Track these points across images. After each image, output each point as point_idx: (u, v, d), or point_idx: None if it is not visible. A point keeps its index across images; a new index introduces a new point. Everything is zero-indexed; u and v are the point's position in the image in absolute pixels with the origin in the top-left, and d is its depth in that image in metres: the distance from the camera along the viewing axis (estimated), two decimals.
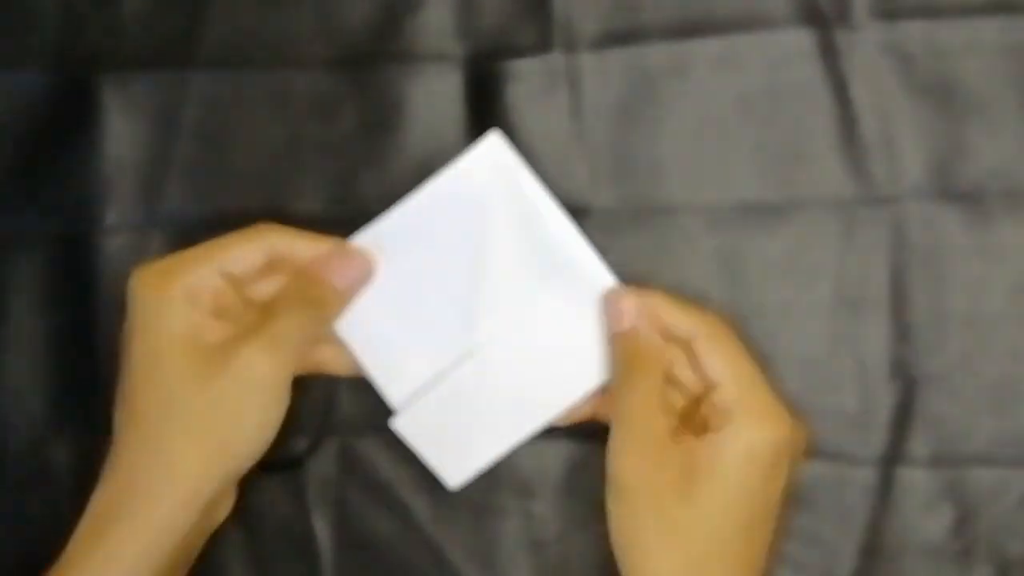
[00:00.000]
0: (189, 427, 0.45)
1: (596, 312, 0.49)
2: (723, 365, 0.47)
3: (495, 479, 0.52)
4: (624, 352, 0.48)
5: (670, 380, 0.49)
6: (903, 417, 0.51)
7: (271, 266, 0.48)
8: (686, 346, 0.48)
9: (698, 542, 0.45)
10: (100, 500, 0.46)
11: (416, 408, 0.50)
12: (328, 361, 0.51)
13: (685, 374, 0.48)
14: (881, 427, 0.51)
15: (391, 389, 0.50)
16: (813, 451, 0.51)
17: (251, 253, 0.48)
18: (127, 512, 0.45)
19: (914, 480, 0.51)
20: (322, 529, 0.53)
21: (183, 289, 0.46)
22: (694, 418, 0.48)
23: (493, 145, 0.49)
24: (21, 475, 0.54)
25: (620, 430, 0.46)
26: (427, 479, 0.52)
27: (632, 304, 0.48)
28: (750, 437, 0.46)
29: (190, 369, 0.45)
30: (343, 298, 0.49)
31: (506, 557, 0.52)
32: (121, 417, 0.47)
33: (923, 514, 0.51)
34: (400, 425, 0.50)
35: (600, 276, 0.49)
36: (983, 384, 0.51)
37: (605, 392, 0.50)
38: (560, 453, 0.52)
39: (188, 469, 0.45)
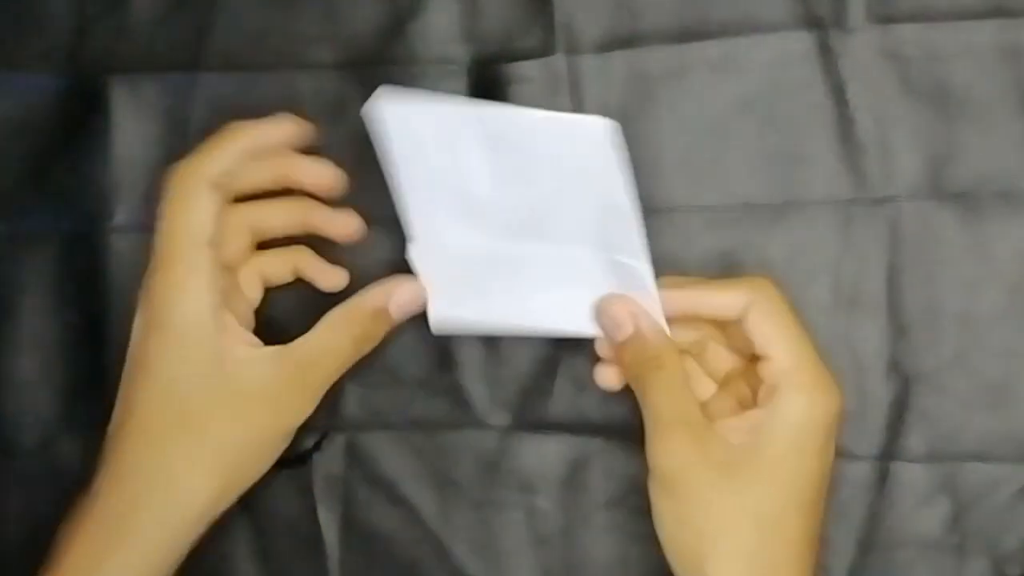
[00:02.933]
0: (201, 450, 0.46)
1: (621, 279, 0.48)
2: (774, 336, 0.45)
3: (499, 475, 0.53)
4: (634, 358, 0.47)
5: (701, 363, 0.49)
6: (899, 414, 0.51)
7: (253, 157, 0.48)
8: (729, 324, 0.47)
9: (747, 521, 0.44)
10: (101, 509, 0.46)
11: (435, 246, 0.49)
12: (270, 274, 0.51)
13: (719, 355, 0.48)
14: (877, 423, 0.51)
15: (418, 223, 0.49)
16: None
17: (227, 149, 0.47)
18: (132, 530, 0.45)
19: (910, 475, 0.51)
20: (328, 524, 0.53)
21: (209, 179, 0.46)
22: (735, 385, 0.48)
23: (604, 127, 0.45)
24: (31, 472, 0.54)
25: (655, 428, 0.45)
26: (432, 475, 0.53)
27: (624, 310, 0.47)
28: (802, 416, 0.45)
29: (208, 387, 0.46)
30: (392, 325, 0.49)
31: (510, 552, 0.53)
32: (124, 418, 0.47)
33: (919, 509, 0.51)
34: (415, 254, 0.49)
35: (647, 275, 0.47)
36: (977, 382, 0.51)
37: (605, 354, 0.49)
38: (562, 449, 0.53)
39: (197, 493, 0.46)
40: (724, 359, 0.49)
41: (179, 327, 0.46)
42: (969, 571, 0.51)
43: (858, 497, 0.51)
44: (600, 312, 0.48)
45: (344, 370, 0.49)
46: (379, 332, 0.49)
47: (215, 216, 0.46)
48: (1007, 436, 0.51)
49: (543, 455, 0.53)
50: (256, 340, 0.48)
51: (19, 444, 0.54)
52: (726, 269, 0.52)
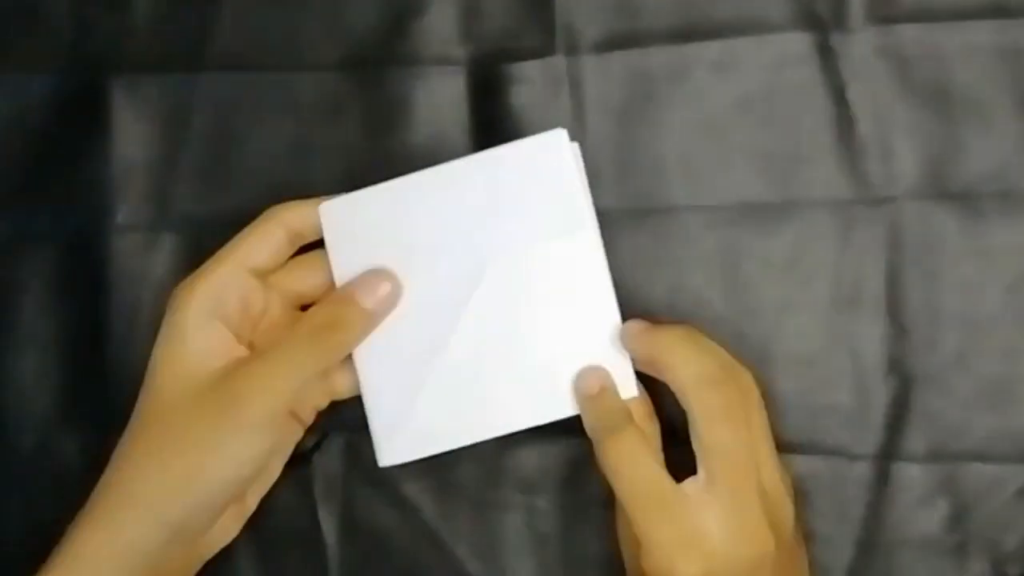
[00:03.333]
0: (171, 449, 0.45)
1: (590, 342, 0.47)
2: (663, 369, 0.46)
3: (498, 475, 0.53)
4: (595, 414, 0.47)
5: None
6: (899, 414, 0.51)
7: (293, 243, 0.48)
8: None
9: (703, 528, 0.44)
10: (89, 504, 0.47)
11: (384, 378, 0.48)
12: (347, 390, 0.50)
13: None
14: (877, 423, 0.51)
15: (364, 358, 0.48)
16: (811, 447, 0.51)
17: (268, 237, 0.48)
18: (100, 523, 0.46)
19: (910, 475, 0.51)
20: (328, 524, 0.53)
21: (205, 297, 0.46)
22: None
23: (554, 139, 0.47)
24: (31, 473, 0.54)
25: (617, 490, 0.46)
26: (432, 475, 0.53)
27: (595, 377, 0.47)
28: (699, 414, 0.45)
29: (190, 394, 0.46)
30: (369, 320, 0.47)
31: (509, 551, 0.53)
32: (128, 426, 0.47)
33: (919, 509, 0.51)
34: (363, 388, 0.48)
35: (609, 311, 0.47)
36: (977, 382, 0.51)
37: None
38: (562, 449, 0.53)
39: (154, 492, 0.45)
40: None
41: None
42: (969, 571, 0.51)
43: (858, 497, 0.51)
44: (575, 380, 0.48)
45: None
46: (357, 322, 0.48)
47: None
48: (1007, 436, 0.51)
49: (543, 455, 0.53)
50: None
51: (19, 443, 0.54)
52: (726, 269, 0.52)
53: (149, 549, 0.46)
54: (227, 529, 0.50)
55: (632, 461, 0.45)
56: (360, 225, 0.48)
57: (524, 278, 0.48)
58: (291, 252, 0.49)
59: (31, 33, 0.54)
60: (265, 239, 0.48)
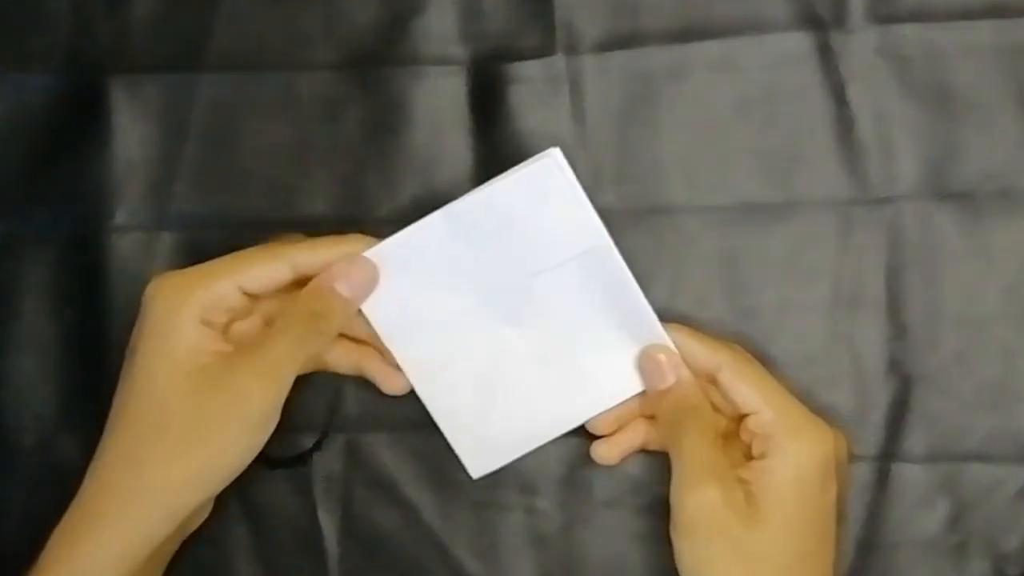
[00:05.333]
0: (174, 445, 0.46)
1: (633, 333, 0.50)
2: (752, 392, 0.48)
3: (498, 476, 0.53)
4: (673, 404, 0.49)
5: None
6: (899, 414, 0.51)
7: (297, 283, 0.48)
8: (711, 377, 0.49)
9: (766, 565, 0.46)
10: (79, 504, 0.47)
11: (450, 399, 0.51)
12: (332, 360, 0.51)
13: (717, 399, 0.49)
14: (877, 424, 0.51)
15: (426, 389, 0.51)
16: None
17: (275, 272, 0.48)
18: (102, 521, 0.46)
19: (910, 476, 0.51)
20: (328, 525, 0.53)
21: (199, 305, 0.46)
22: (735, 441, 0.49)
23: (553, 163, 0.47)
24: (31, 472, 0.54)
25: (683, 470, 0.47)
26: (432, 475, 0.53)
27: (669, 360, 0.49)
28: (798, 459, 0.47)
29: (185, 388, 0.46)
30: (349, 306, 0.48)
31: (509, 552, 0.53)
32: (112, 422, 0.47)
33: (919, 509, 0.51)
34: (435, 412, 0.51)
35: (642, 310, 0.49)
36: (977, 382, 0.51)
37: (644, 407, 0.51)
38: (562, 450, 0.53)
39: (166, 484, 0.46)
40: (724, 405, 0.50)
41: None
42: (969, 571, 0.51)
43: (858, 497, 0.51)
44: (644, 358, 0.49)
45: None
46: (337, 310, 0.49)
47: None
48: (1007, 436, 0.51)
49: (542, 455, 0.53)
50: None
51: (19, 443, 0.54)
52: (726, 269, 0.52)
53: (157, 541, 0.46)
54: (207, 508, 0.50)
55: (704, 449, 0.47)
56: (389, 273, 0.49)
57: (558, 293, 0.49)
58: (289, 288, 0.49)
59: (31, 33, 0.54)
60: (271, 274, 0.48)
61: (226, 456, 0.46)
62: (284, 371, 0.47)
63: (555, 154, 0.47)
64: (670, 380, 0.49)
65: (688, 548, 0.47)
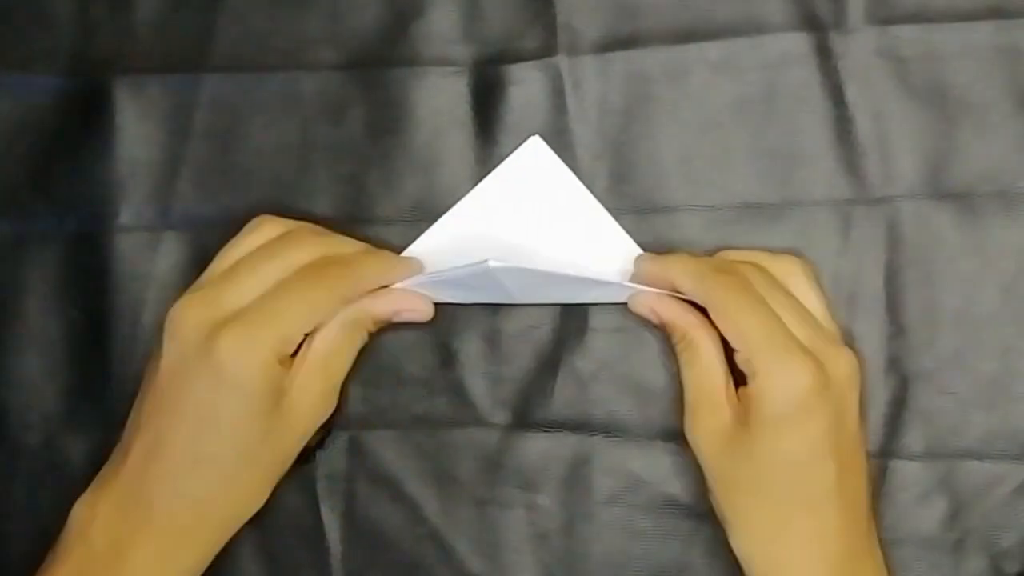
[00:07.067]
0: (223, 484, 0.47)
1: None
2: (732, 332, 0.47)
3: (500, 472, 0.53)
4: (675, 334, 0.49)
5: None
6: (897, 412, 0.52)
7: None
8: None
9: (771, 489, 0.46)
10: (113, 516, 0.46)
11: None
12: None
13: None
14: (876, 422, 0.52)
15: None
16: None
17: (331, 311, 0.48)
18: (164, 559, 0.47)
19: (908, 473, 0.51)
20: (331, 521, 0.53)
21: (274, 352, 0.46)
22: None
23: (534, 148, 0.52)
24: (35, 470, 0.54)
25: (689, 398, 0.48)
26: (434, 473, 0.53)
27: (646, 305, 0.50)
28: (772, 393, 0.46)
29: (250, 423, 0.47)
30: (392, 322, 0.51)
31: (511, 549, 0.53)
32: (146, 442, 0.47)
33: (917, 506, 0.51)
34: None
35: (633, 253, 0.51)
36: (975, 380, 0.51)
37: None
38: (563, 447, 0.53)
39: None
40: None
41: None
42: (967, 568, 0.51)
43: None
44: (635, 302, 0.50)
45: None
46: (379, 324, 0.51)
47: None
48: (1005, 434, 0.51)
49: (544, 453, 0.53)
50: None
51: (23, 442, 0.54)
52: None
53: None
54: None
55: (709, 374, 0.48)
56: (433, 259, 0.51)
57: (566, 255, 0.51)
58: None
59: (35, 34, 0.55)
60: (328, 314, 0.49)
61: (280, 463, 0.49)
62: (337, 380, 0.49)
63: (536, 140, 0.51)
64: (664, 316, 0.50)
65: (707, 470, 0.48)
